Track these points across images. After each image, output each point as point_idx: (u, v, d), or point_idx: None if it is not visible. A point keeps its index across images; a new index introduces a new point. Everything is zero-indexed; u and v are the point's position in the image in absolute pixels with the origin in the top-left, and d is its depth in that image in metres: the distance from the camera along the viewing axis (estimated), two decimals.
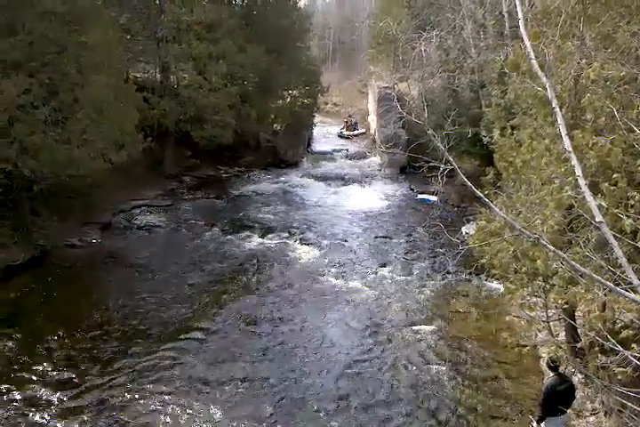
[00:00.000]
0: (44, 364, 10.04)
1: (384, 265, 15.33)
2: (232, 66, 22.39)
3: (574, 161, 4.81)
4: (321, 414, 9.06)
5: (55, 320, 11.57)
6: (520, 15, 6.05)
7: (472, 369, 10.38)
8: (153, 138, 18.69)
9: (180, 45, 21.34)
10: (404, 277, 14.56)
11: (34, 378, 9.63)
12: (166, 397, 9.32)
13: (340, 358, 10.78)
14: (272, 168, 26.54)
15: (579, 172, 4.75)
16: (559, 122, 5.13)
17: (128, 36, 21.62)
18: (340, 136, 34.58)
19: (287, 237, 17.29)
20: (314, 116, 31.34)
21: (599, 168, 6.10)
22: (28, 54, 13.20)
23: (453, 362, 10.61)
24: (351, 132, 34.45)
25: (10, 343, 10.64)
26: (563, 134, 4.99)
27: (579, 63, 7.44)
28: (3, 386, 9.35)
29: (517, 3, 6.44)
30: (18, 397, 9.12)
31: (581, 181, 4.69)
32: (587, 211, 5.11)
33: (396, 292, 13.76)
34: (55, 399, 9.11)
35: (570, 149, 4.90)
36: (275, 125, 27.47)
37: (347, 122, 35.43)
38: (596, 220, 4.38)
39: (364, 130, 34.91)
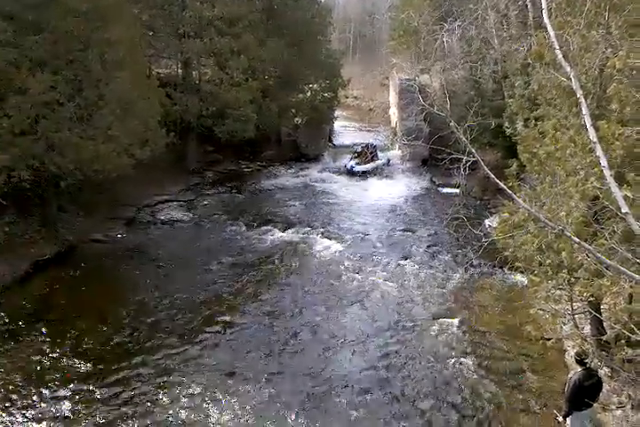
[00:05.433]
0: (71, 357, 10.22)
1: (406, 258, 15.30)
2: (253, 60, 22.46)
3: (599, 152, 4.75)
4: (345, 407, 9.11)
5: (82, 314, 11.75)
6: (544, 4, 5.98)
7: (496, 363, 10.33)
8: (176, 133, 18.87)
9: (201, 41, 21.45)
10: (426, 271, 14.52)
11: (61, 371, 9.82)
12: (191, 389, 9.45)
13: (363, 351, 10.80)
14: (293, 162, 26.53)
15: (604, 162, 4.69)
16: (584, 112, 5.07)
17: (150, 33, 21.83)
18: (351, 172, 24.81)
19: (308, 231, 17.34)
20: (334, 110, 31.26)
21: (625, 159, 6.03)
22: (52, 52, 13.39)
23: (477, 355, 10.57)
24: (366, 166, 25.03)
25: (38, 337, 10.86)
26: (587, 125, 4.93)
27: (604, 52, 7.33)
28: (32, 378, 9.56)
29: None
30: (45, 388, 9.32)
31: (607, 172, 4.63)
32: (612, 202, 5.05)
33: (418, 285, 13.74)
34: (82, 391, 9.28)
35: (595, 139, 4.84)
36: (295, 120, 27.44)
37: (362, 151, 26.05)
38: (622, 211, 4.33)
39: (383, 160, 25.97)
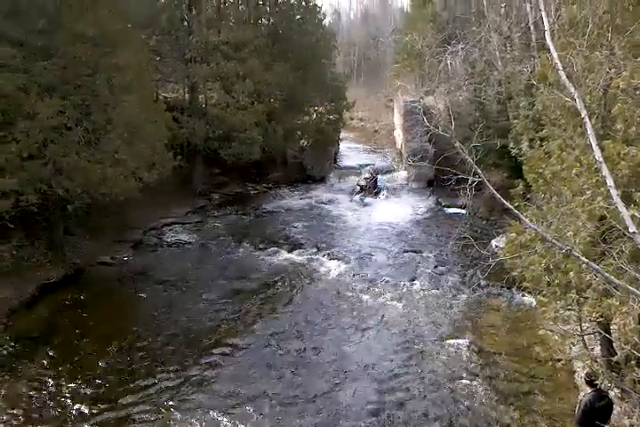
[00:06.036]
0: (77, 380, 10.12)
1: (413, 279, 15.22)
2: (259, 84, 22.75)
3: (605, 171, 4.76)
4: None
5: (88, 338, 11.70)
6: (546, 26, 6.05)
7: (505, 384, 10.19)
8: (182, 156, 19.02)
9: (207, 65, 21.77)
10: (433, 292, 14.43)
11: (66, 394, 9.73)
12: (197, 413, 9.32)
13: (371, 373, 10.68)
14: (299, 184, 26.63)
15: (610, 182, 4.69)
16: (589, 132, 5.10)
17: (158, 58, 22.15)
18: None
19: (315, 253, 17.31)
20: (340, 132, 31.49)
21: (631, 178, 6.01)
22: (61, 77, 13.57)
23: (486, 377, 10.43)
24: (372, 195, 25.14)
25: (44, 361, 10.78)
26: (593, 145, 4.95)
27: (607, 73, 7.38)
28: (35, 401, 9.48)
29: (544, 14, 6.45)
30: (49, 412, 9.23)
31: (613, 192, 4.63)
32: (620, 222, 5.03)
33: (426, 306, 13.64)
34: (86, 415, 9.19)
35: (601, 159, 4.86)
36: (301, 142, 27.66)
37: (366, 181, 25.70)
38: (630, 230, 4.32)
39: (382, 188, 25.88)
